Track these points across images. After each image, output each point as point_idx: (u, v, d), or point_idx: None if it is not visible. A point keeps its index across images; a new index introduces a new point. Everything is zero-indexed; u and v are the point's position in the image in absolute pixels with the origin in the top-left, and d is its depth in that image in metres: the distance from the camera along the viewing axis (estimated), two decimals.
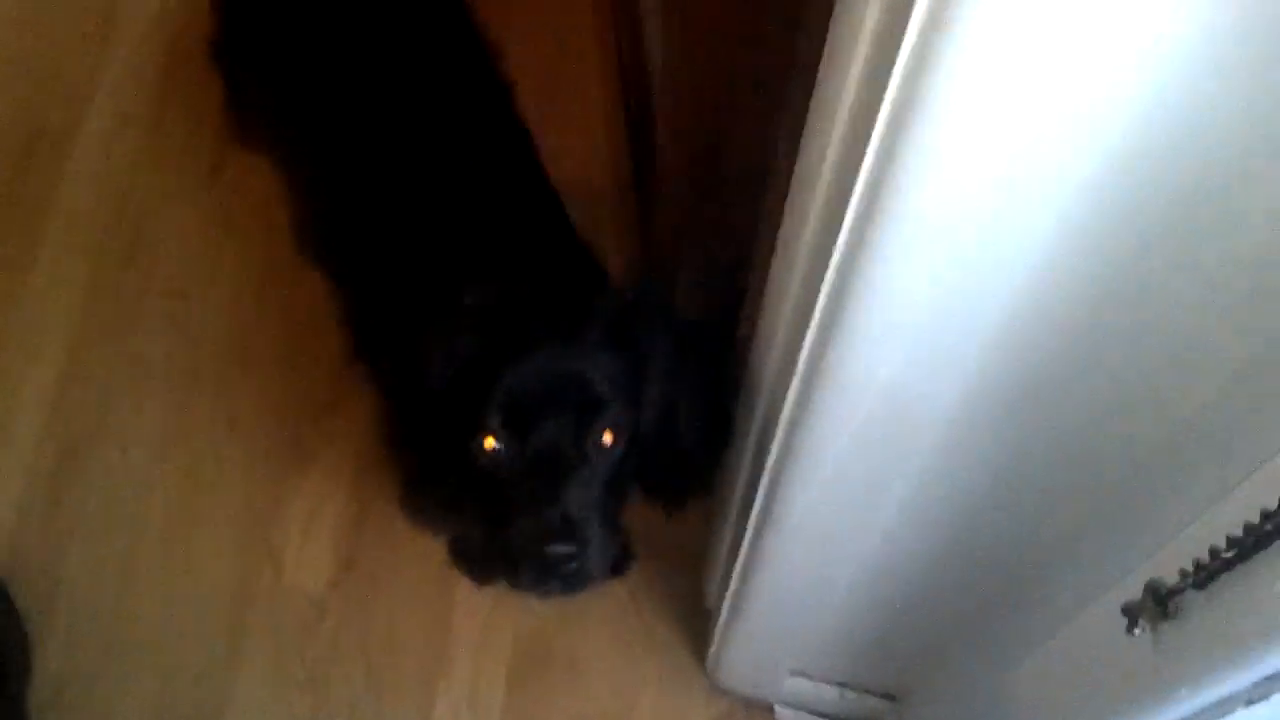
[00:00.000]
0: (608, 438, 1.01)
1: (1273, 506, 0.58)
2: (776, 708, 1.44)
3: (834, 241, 0.74)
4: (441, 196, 1.17)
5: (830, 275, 0.77)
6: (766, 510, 1.05)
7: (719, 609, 1.34)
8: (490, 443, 0.99)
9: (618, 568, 1.53)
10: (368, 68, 1.26)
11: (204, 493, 1.57)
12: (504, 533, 1.00)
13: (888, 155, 0.65)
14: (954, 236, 0.68)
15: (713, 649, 1.40)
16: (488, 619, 1.52)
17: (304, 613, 1.51)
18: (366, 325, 1.24)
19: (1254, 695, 0.63)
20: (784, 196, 0.93)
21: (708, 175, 1.29)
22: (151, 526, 1.55)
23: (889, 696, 1.35)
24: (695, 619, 1.49)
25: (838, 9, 0.72)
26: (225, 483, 1.57)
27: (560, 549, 0.97)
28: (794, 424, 0.92)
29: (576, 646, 1.51)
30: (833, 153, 0.76)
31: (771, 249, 0.99)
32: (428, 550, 1.53)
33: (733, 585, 1.23)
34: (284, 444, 1.59)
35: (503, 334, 1.00)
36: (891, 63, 0.61)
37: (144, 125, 1.76)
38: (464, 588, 1.53)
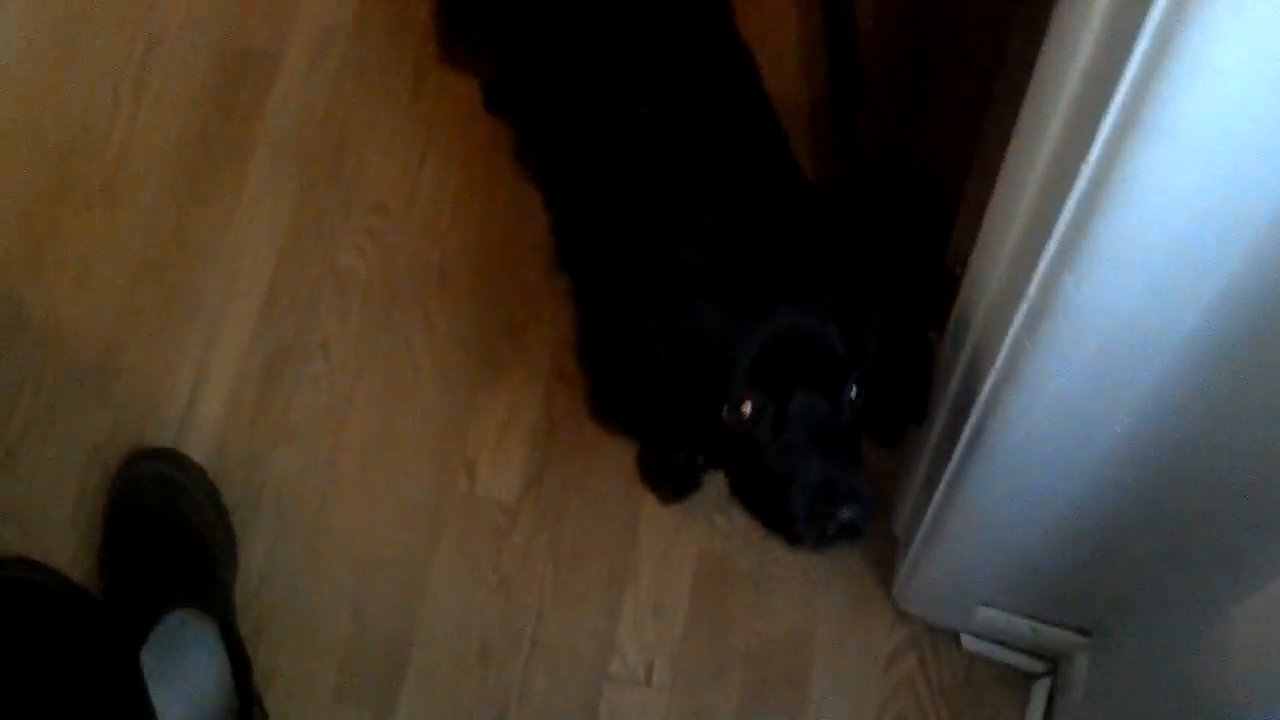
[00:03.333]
0: (853, 393, 1.03)
1: None
2: (964, 637, 1.43)
3: (1082, 159, 0.72)
4: (658, 114, 1.16)
5: (1075, 195, 0.74)
6: (977, 439, 1.03)
7: (910, 535, 1.33)
8: (746, 409, 1.00)
9: None
10: None
11: (402, 402, 1.63)
12: (764, 491, 1.02)
13: (1156, 59, 0.63)
14: (1223, 151, 0.66)
15: (901, 575, 1.40)
16: (673, 535, 1.55)
17: (496, 519, 1.56)
18: (572, 239, 1.25)
19: None
20: (1010, 107, 0.91)
21: (914, 88, 1.26)
22: (352, 433, 1.62)
23: (1083, 631, 1.33)
24: (881, 545, 1.49)
25: None
26: (422, 393, 1.63)
27: (851, 514, 0.99)
28: (1017, 351, 0.90)
29: (760, 566, 1.52)
30: (1084, 56, 0.73)
31: (991, 164, 0.97)
32: (614, 464, 1.57)
33: (929, 513, 1.22)
34: (479, 358, 1.64)
35: (728, 298, 1.02)
36: None
37: (347, 41, 1.80)
38: (649, 503, 1.56)
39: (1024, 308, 0.87)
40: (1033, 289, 0.84)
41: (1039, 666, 1.41)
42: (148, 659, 1.37)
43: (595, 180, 1.20)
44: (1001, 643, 1.42)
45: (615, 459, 1.56)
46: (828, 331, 1.00)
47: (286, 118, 1.77)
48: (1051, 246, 0.80)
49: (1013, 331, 0.90)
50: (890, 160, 1.27)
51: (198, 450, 1.59)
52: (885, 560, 1.48)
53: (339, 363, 1.65)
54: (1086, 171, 0.72)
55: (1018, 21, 0.96)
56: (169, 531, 1.49)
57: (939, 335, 1.23)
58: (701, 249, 1.06)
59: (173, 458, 1.56)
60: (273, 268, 1.69)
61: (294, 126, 1.76)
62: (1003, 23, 0.98)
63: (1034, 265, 0.83)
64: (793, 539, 1.02)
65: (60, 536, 1.55)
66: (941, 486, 1.16)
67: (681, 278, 1.04)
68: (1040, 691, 1.40)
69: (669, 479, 1.53)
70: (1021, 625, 1.36)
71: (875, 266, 1.07)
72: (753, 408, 1.00)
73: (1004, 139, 0.94)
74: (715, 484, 1.56)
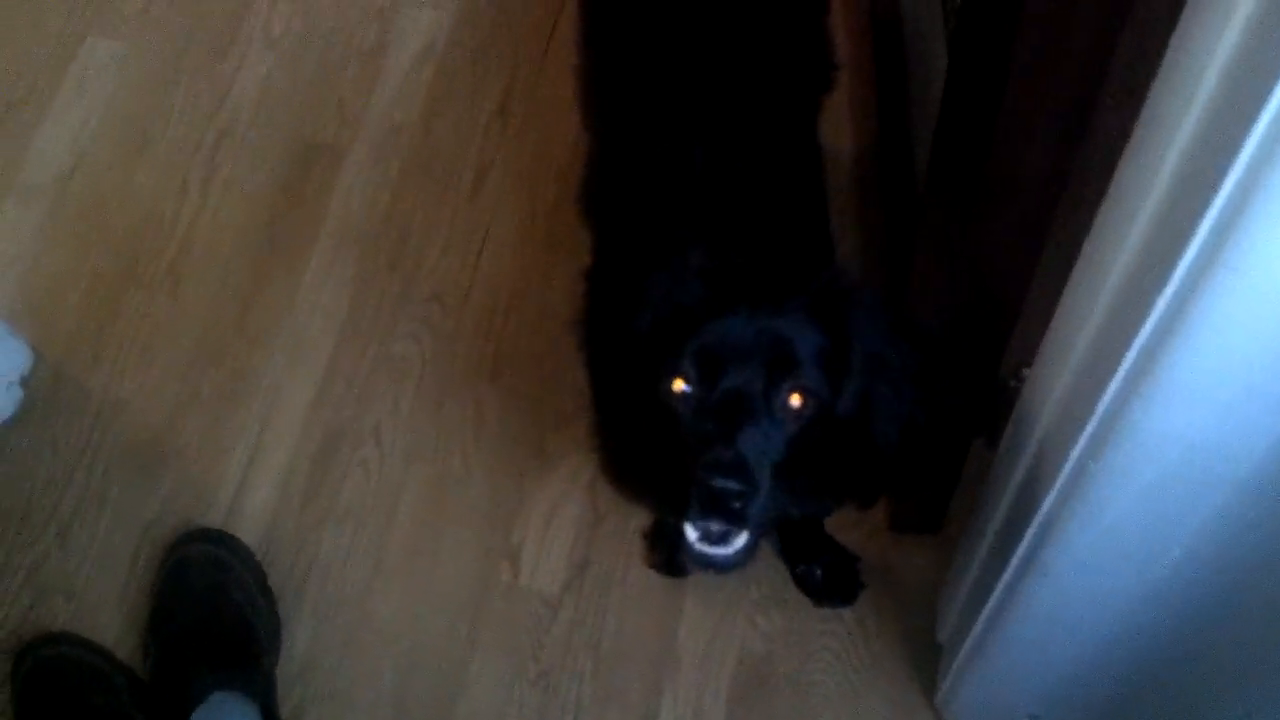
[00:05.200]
0: (796, 400, 1.03)
1: None
2: None
3: (1158, 288, 0.73)
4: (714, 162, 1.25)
5: (1149, 323, 0.76)
6: (1032, 555, 1.04)
7: (955, 644, 1.33)
8: (679, 385, 1.03)
9: (847, 596, 1.55)
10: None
11: (450, 490, 1.65)
12: (671, 468, 1.03)
13: (1244, 194, 0.64)
14: None
15: (945, 685, 1.39)
16: (714, 634, 1.55)
17: (538, 612, 1.57)
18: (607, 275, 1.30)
19: None
20: (1080, 223, 0.92)
21: (976, 195, 1.27)
22: (400, 518, 1.64)
23: None
24: (924, 652, 1.49)
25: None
26: (470, 482, 1.65)
27: (728, 484, 0.98)
28: (1079, 473, 0.91)
29: (801, 671, 1.52)
30: (1161, 188, 0.75)
31: (1056, 277, 0.98)
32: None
33: (978, 626, 1.22)
34: (527, 450, 1.66)
35: (712, 292, 1.06)
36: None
37: (412, 139, 1.86)
38: (692, 600, 1.57)
39: (1088, 430, 0.88)
40: (1098, 412, 0.86)
41: None
42: None
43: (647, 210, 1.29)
44: None
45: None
46: (786, 333, 1.03)
47: (350, 210, 1.82)
48: (1121, 371, 0.81)
49: (1075, 453, 0.91)
50: (950, 268, 1.29)
51: (247, 531, 1.61)
52: (928, 667, 1.48)
53: (390, 449, 1.67)
54: (1163, 301, 0.74)
55: (1094, 134, 0.98)
56: (215, 613, 1.50)
57: (991, 447, 1.24)
58: (709, 253, 1.11)
59: (222, 539, 1.58)
60: (329, 354, 1.72)
61: (357, 219, 1.81)
62: (1077, 135, 1.00)
63: (1101, 388, 0.84)
64: (679, 511, 1.04)
65: (108, 613, 1.57)
66: (992, 599, 1.16)
67: (679, 269, 1.08)
68: None
69: (669, 550, 1.55)
70: None
71: (864, 302, 1.08)
72: (686, 385, 1.03)
73: (1071, 255, 0.95)
74: (758, 581, 1.57)
